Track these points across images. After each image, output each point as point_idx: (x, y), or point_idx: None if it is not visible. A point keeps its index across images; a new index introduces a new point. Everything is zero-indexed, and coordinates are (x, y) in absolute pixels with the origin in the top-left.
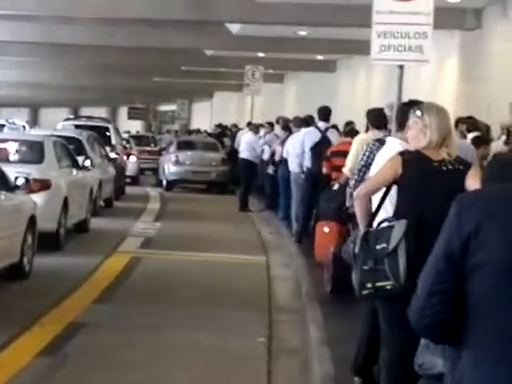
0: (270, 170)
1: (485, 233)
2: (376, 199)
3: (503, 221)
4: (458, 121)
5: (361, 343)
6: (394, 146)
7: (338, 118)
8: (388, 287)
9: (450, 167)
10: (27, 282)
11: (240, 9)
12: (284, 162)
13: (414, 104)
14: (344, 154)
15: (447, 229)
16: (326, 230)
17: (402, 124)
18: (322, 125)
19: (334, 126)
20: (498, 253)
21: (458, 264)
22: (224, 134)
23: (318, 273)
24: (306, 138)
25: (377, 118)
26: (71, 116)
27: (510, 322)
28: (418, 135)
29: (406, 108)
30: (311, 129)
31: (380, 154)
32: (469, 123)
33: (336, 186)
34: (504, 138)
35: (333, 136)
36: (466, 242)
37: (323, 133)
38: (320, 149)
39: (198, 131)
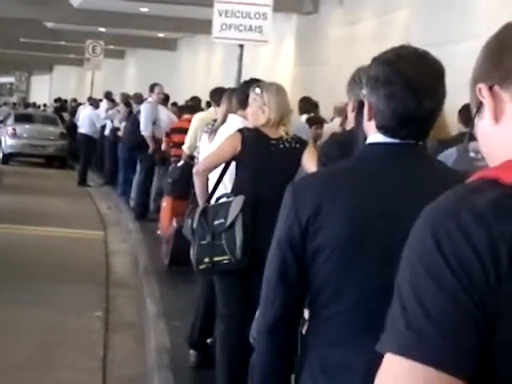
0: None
1: (324, 215)
2: (215, 175)
3: (341, 199)
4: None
5: (196, 317)
6: (235, 123)
7: (179, 96)
8: (225, 262)
9: (287, 145)
10: None
11: None
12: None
13: (254, 82)
14: (184, 130)
15: (285, 217)
16: (164, 204)
17: (242, 102)
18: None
19: (174, 104)
20: (340, 232)
21: (299, 251)
22: (63, 108)
23: (156, 248)
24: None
25: (220, 97)
26: None
27: (355, 304)
28: (256, 112)
29: (247, 86)
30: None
31: (220, 130)
32: (305, 104)
33: (180, 163)
34: (338, 119)
35: (143, 108)
36: (305, 228)
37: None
38: (130, 122)
39: (35, 105)
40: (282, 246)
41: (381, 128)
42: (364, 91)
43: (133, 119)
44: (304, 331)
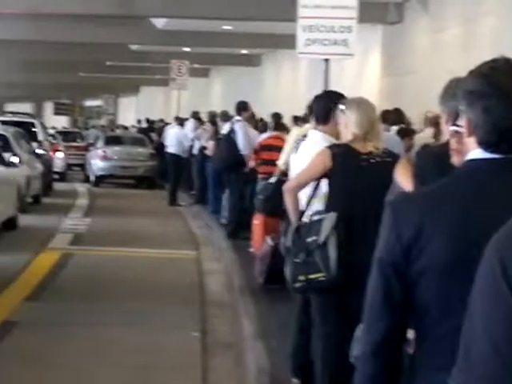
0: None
1: (427, 234)
2: (305, 193)
3: (444, 217)
4: (385, 113)
5: (293, 340)
6: (317, 139)
7: (264, 112)
8: (320, 279)
9: (378, 159)
10: None
11: (165, 3)
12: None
13: (334, 96)
14: (272, 147)
15: (386, 238)
16: (256, 222)
17: (324, 117)
18: (234, 119)
19: (260, 120)
20: (446, 250)
21: (403, 272)
22: (151, 128)
23: (250, 266)
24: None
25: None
26: None
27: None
28: (343, 129)
29: (327, 101)
30: (226, 123)
31: (302, 147)
32: (394, 115)
33: (273, 179)
34: (429, 130)
35: (238, 128)
36: (407, 248)
37: (231, 125)
38: (224, 142)
39: (124, 127)
40: (385, 268)
41: (481, 144)
42: (461, 107)
43: (227, 138)
44: (410, 352)
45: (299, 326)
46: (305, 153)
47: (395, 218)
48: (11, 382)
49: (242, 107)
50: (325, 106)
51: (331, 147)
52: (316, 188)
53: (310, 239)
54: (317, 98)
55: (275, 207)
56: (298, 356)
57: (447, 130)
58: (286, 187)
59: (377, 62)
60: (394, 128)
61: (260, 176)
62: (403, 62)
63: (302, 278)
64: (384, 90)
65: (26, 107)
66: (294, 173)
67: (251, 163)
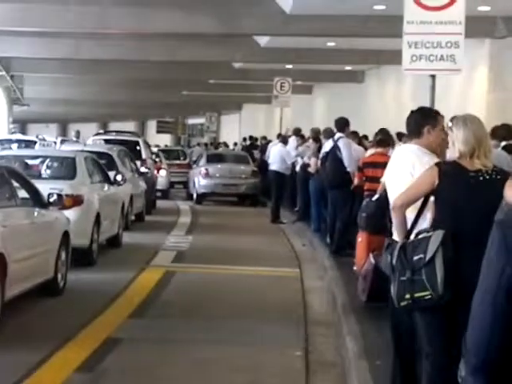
0: None
1: None
2: (413, 209)
3: None
4: (494, 130)
5: (394, 362)
6: (411, 152)
7: (368, 129)
8: (426, 297)
9: (487, 177)
10: (61, 298)
11: (268, 22)
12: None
13: (427, 111)
14: (377, 164)
15: (495, 259)
16: (359, 239)
17: (416, 131)
18: (336, 135)
19: (364, 137)
20: None
21: None
22: (254, 146)
23: (353, 284)
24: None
25: None
26: (101, 131)
27: None
28: (452, 147)
29: (420, 115)
30: (328, 140)
31: (396, 160)
32: (503, 131)
33: (375, 197)
34: None
35: (344, 145)
36: None
37: (334, 142)
38: (329, 158)
39: (225, 144)
40: (495, 290)
41: None
42: None
43: (332, 155)
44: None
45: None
46: (396, 167)
47: (504, 237)
48: None
49: (344, 123)
50: (416, 121)
51: (439, 164)
52: (425, 205)
53: (416, 257)
54: (411, 113)
55: (378, 225)
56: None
57: None
58: (393, 204)
59: (484, 77)
60: (502, 144)
61: (365, 193)
62: (511, 77)
63: (407, 296)
64: (491, 106)
65: (130, 125)
66: (389, 186)
67: (356, 180)
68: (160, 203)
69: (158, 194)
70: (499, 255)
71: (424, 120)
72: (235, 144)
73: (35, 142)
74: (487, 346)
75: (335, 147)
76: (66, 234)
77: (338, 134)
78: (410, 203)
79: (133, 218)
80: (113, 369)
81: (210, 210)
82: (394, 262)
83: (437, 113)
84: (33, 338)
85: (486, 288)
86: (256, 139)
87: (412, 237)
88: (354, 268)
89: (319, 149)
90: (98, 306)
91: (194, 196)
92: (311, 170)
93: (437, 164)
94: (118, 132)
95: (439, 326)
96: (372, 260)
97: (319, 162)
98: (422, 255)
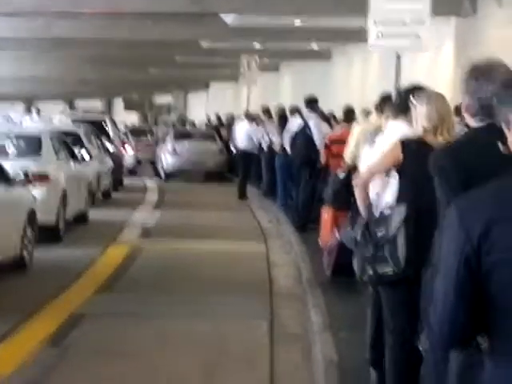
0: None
1: (496, 232)
2: (376, 185)
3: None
4: (458, 107)
5: (368, 333)
6: (395, 130)
7: (333, 106)
8: (389, 273)
9: None
10: (28, 274)
11: (236, 0)
12: (282, 150)
13: (414, 89)
14: (343, 141)
15: (454, 238)
16: (325, 215)
17: (403, 110)
18: (306, 113)
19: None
20: None
21: (475, 270)
22: (221, 124)
23: (318, 259)
24: (289, 126)
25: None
26: (67, 109)
27: None
28: (414, 123)
29: (407, 93)
30: (295, 118)
31: (380, 138)
32: None
33: (342, 175)
34: None
35: (314, 123)
36: (477, 246)
37: (304, 121)
38: (299, 136)
39: (193, 125)
40: (456, 266)
41: None
42: None
43: (303, 134)
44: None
45: (375, 317)
46: (384, 144)
47: (461, 216)
48: (81, 372)
49: (314, 101)
50: (405, 99)
51: (403, 140)
52: (386, 181)
53: (379, 233)
54: (398, 91)
55: (344, 201)
56: (376, 348)
57: None
58: (356, 181)
59: (450, 55)
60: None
61: (331, 170)
62: (477, 55)
63: (370, 271)
64: (458, 84)
65: (96, 104)
66: (365, 165)
67: (323, 157)
68: (127, 181)
69: (126, 171)
70: (458, 233)
71: (411, 97)
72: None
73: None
74: (450, 322)
75: (306, 125)
76: (31, 212)
77: (308, 112)
78: (373, 178)
79: (100, 195)
80: (78, 343)
81: (178, 187)
82: (357, 237)
83: (424, 91)
84: None
85: (446, 264)
86: (221, 121)
87: (375, 213)
88: (320, 243)
89: (284, 126)
90: (64, 282)
91: (162, 174)
92: (276, 147)
93: (400, 140)
94: (84, 111)
95: (401, 301)
96: (337, 235)
97: (289, 139)
98: (384, 231)
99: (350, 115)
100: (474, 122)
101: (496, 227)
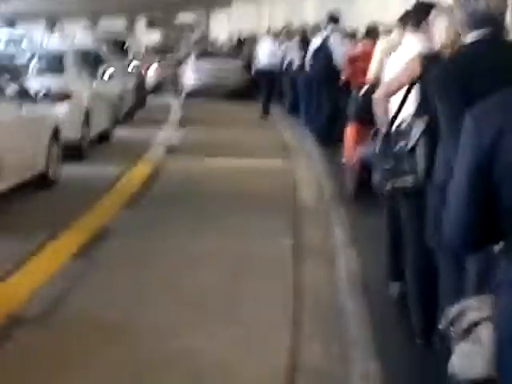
0: None
1: (509, 139)
2: (397, 100)
3: None
4: None
5: (387, 248)
6: (412, 45)
7: (358, 23)
8: (408, 185)
9: None
10: (53, 191)
11: None
12: (303, 67)
13: (433, 4)
14: (366, 58)
15: (467, 143)
16: (348, 131)
17: (419, 22)
18: (327, 30)
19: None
20: None
21: (486, 175)
22: (243, 42)
23: (341, 175)
24: (311, 44)
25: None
26: (90, 27)
27: None
28: (433, 37)
29: (425, 8)
30: (318, 35)
31: (397, 53)
32: None
33: (363, 90)
34: None
35: (335, 40)
36: (489, 152)
37: (325, 38)
38: (319, 53)
39: (216, 44)
40: (469, 172)
41: None
42: None
43: (322, 51)
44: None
45: (393, 230)
46: (400, 59)
47: (476, 124)
48: (110, 284)
49: (335, 18)
50: (419, 13)
51: (421, 54)
52: (407, 95)
53: (398, 145)
54: (414, 5)
55: (367, 117)
56: (395, 261)
57: None
58: (376, 95)
59: None
60: None
61: (354, 87)
62: None
63: (389, 184)
64: None
65: (120, 23)
66: (388, 75)
67: (344, 74)
68: (150, 99)
69: (148, 90)
70: (471, 140)
71: (427, 13)
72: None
73: (23, 39)
74: (461, 225)
75: (326, 42)
76: (55, 129)
77: (329, 29)
78: (393, 93)
79: (123, 113)
80: (106, 256)
81: (201, 106)
82: (377, 150)
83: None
84: (26, 228)
85: (460, 170)
86: (244, 39)
87: (395, 126)
88: (343, 160)
89: (307, 44)
90: (90, 199)
91: (184, 92)
92: (294, 67)
93: (419, 54)
94: (107, 29)
95: (420, 212)
96: (360, 151)
97: (310, 56)
98: (404, 144)
99: (373, 32)
100: (470, 36)
101: (508, 134)
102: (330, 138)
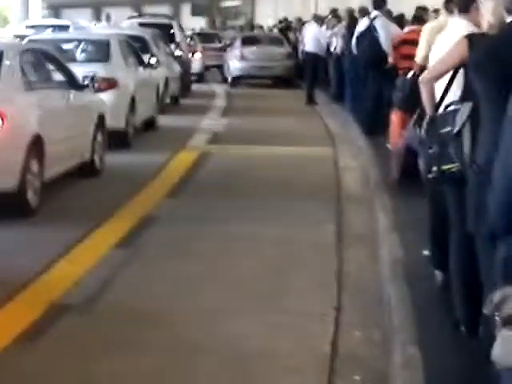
0: None
1: None
2: (442, 84)
3: None
4: None
5: (431, 236)
6: (457, 28)
7: (406, 6)
8: (453, 170)
9: None
10: (99, 179)
11: None
12: (350, 52)
13: None
14: (412, 42)
15: None
16: (393, 118)
17: (466, 6)
18: (373, 14)
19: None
20: None
21: None
22: (289, 27)
23: (386, 162)
24: (357, 28)
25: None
26: (135, 14)
27: None
28: (481, 19)
29: None
30: (363, 19)
31: (442, 36)
32: None
33: (410, 75)
34: None
35: (381, 24)
36: None
37: (370, 21)
38: (365, 37)
39: (261, 29)
40: None
41: None
42: None
43: (368, 35)
44: None
45: (437, 217)
46: (445, 42)
47: None
48: (153, 271)
49: (382, 1)
50: None
51: (468, 36)
52: (453, 78)
53: (444, 130)
54: None
55: (413, 103)
56: (439, 249)
57: None
58: (421, 79)
59: None
60: None
61: (400, 72)
62: None
63: (435, 169)
64: None
65: (164, 9)
66: (433, 59)
67: (391, 59)
68: (195, 87)
69: (193, 77)
70: None
71: None
72: (274, 26)
73: (68, 27)
74: (507, 203)
75: (371, 26)
76: (101, 117)
77: (375, 13)
78: (439, 76)
79: (168, 101)
80: (149, 244)
81: (245, 92)
82: (422, 135)
83: None
84: (72, 216)
85: (506, 151)
86: (290, 22)
87: (441, 110)
88: (388, 146)
89: (352, 29)
90: (134, 187)
91: (229, 79)
92: (337, 50)
93: (466, 36)
94: (151, 15)
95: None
96: (405, 136)
97: (355, 40)
98: (450, 128)
99: (421, 16)
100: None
101: None
102: (375, 126)
